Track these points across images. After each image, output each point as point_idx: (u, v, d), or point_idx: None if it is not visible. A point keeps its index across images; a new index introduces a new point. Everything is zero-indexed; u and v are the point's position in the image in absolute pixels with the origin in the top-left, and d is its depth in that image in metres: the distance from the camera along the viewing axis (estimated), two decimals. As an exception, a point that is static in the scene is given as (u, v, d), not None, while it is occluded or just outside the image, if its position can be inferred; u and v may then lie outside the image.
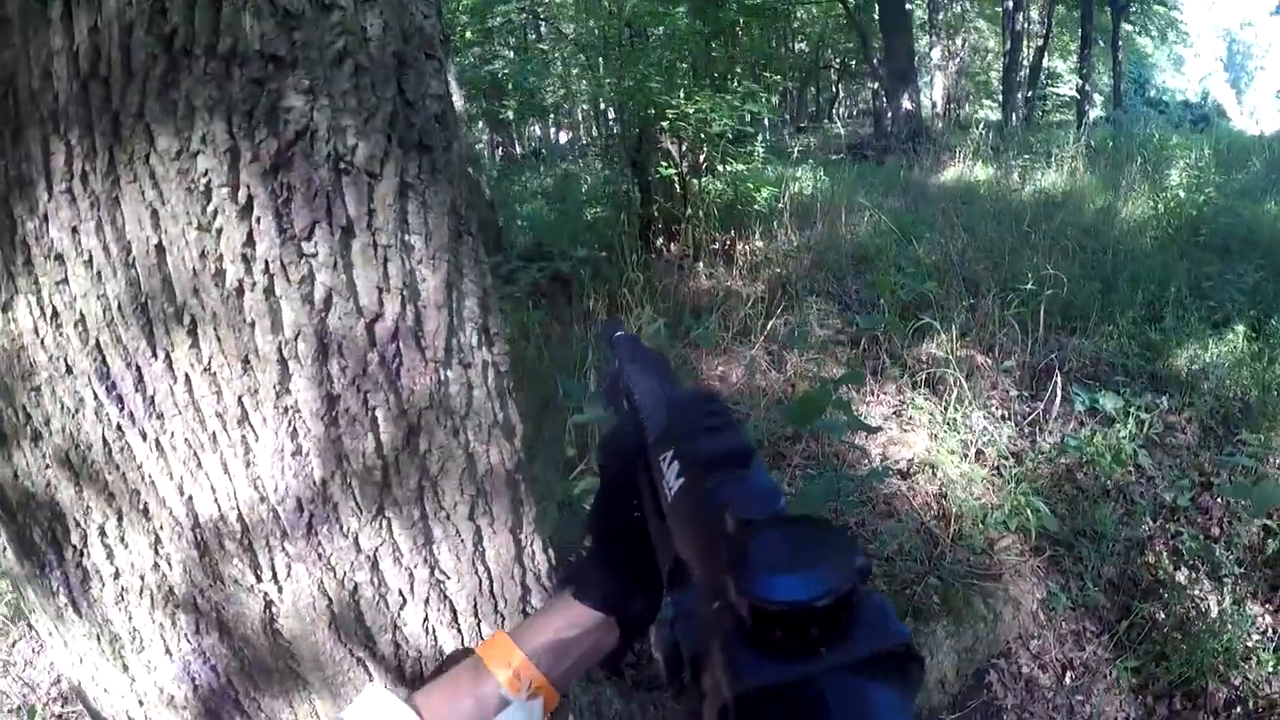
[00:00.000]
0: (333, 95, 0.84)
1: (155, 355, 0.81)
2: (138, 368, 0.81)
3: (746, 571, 0.34)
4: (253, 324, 0.81)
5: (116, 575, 0.90)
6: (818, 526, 0.37)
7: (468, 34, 8.55)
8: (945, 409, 3.28)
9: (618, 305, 4.04)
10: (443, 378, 0.90)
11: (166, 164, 0.77)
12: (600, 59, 6.19)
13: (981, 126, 9.80)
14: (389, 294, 0.85)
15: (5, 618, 2.31)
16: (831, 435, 2.98)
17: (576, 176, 7.96)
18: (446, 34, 0.96)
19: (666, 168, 5.02)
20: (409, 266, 0.87)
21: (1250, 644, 2.28)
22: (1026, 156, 8.37)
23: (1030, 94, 13.60)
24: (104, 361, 0.81)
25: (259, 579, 0.88)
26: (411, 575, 0.92)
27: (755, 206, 5.43)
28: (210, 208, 0.78)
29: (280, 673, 0.95)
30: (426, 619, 0.95)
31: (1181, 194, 6.06)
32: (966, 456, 3.10)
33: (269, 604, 0.89)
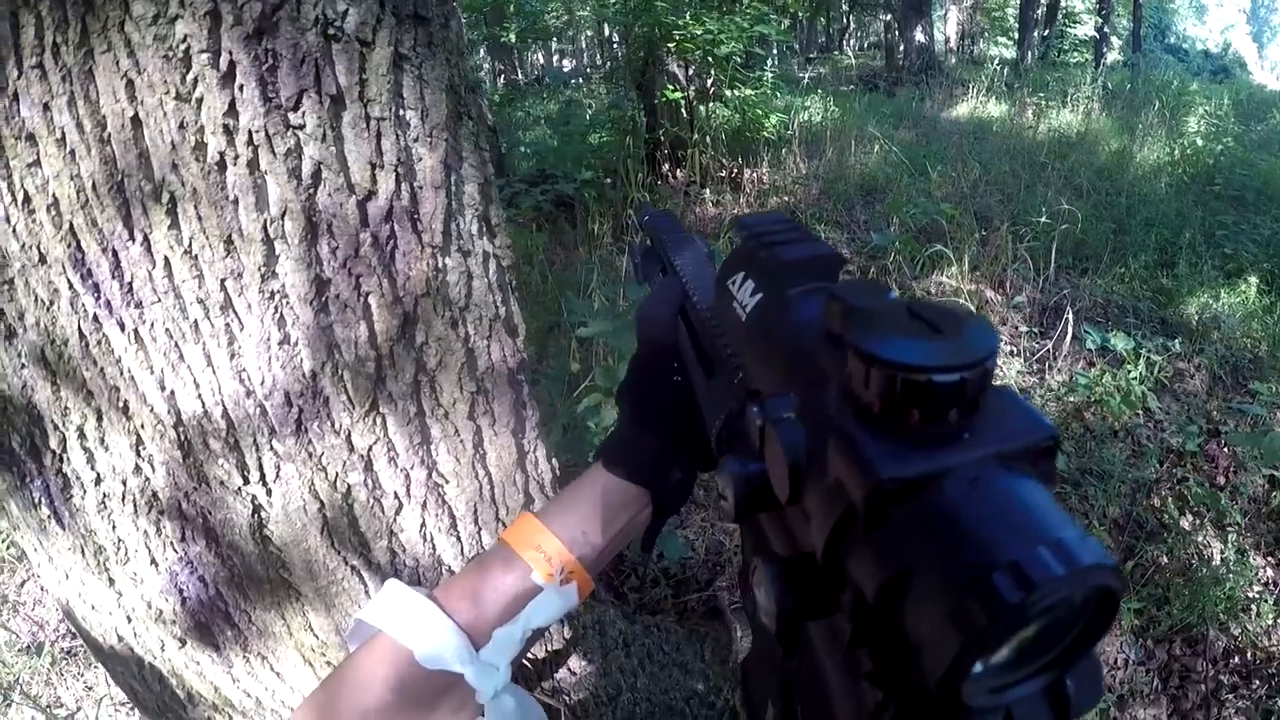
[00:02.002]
0: None
1: (132, 238, 0.74)
2: (114, 252, 0.75)
3: (878, 343, 0.28)
4: (235, 201, 0.74)
5: (98, 481, 0.84)
6: (948, 306, 0.31)
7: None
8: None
9: (623, 229, 3.94)
10: (440, 265, 0.83)
11: (143, 30, 0.70)
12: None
13: (996, 63, 9.53)
14: (383, 170, 0.77)
15: (14, 558, 2.28)
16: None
17: (580, 103, 7.75)
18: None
19: (673, 91, 4.84)
20: (404, 143, 0.79)
21: (1251, 595, 2.27)
22: (1041, 95, 8.14)
23: (1047, 32, 13.23)
24: (79, 247, 0.75)
25: (246, 481, 0.82)
26: (408, 477, 0.86)
27: (764, 134, 5.27)
28: (190, 76, 0.71)
29: (271, 583, 0.90)
30: (424, 525, 0.90)
31: (1199, 141, 5.92)
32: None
33: (257, 508, 0.84)
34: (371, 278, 0.78)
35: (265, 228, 0.74)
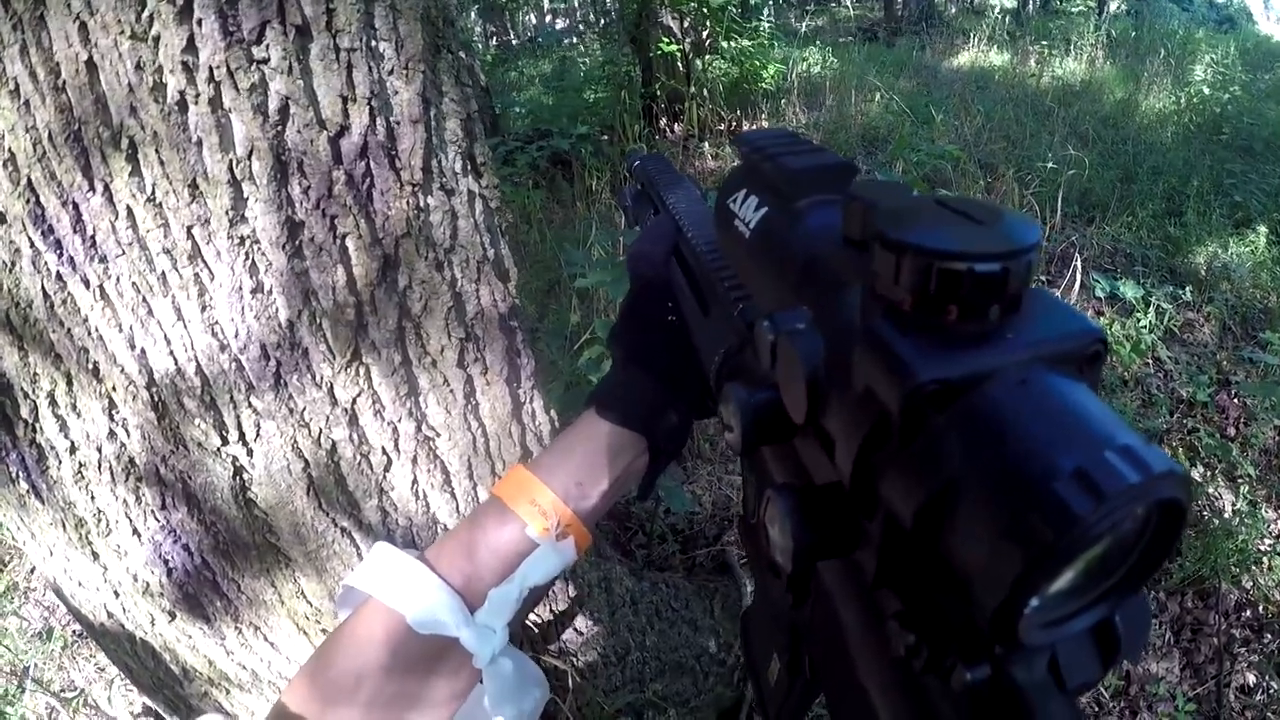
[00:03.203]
0: None
1: (93, 188, 0.69)
2: (75, 205, 0.70)
3: (910, 231, 0.24)
4: (199, 142, 0.69)
5: (73, 450, 0.80)
6: (982, 200, 0.27)
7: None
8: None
9: (621, 183, 3.87)
10: (422, 204, 0.77)
11: None
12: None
13: (997, 11, 9.33)
14: (355, 104, 0.72)
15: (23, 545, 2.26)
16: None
17: (575, 60, 7.60)
18: None
19: (668, 44, 4.73)
20: (378, 75, 0.73)
21: (1263, 548, 2.24)
22: (1044, 43, 7.97)
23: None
24: (38, 203, 0.70)
25: (225, 441, 0.78)
26: (396, 431, 0.82)
27: (762, 85, 5.15)
28: (145, 13, 0.65)
29: (258, 548, 0.86)
30: (415, 481, 0.85)
31: (1205, 90, 5.79)
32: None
33: (239, 469, 0.79)
34: (347, 218, 0.73)
35: (231, 169, 0.69)
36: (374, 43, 0.74)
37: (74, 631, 1.92)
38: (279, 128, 0.69)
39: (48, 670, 1.84)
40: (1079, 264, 3.09)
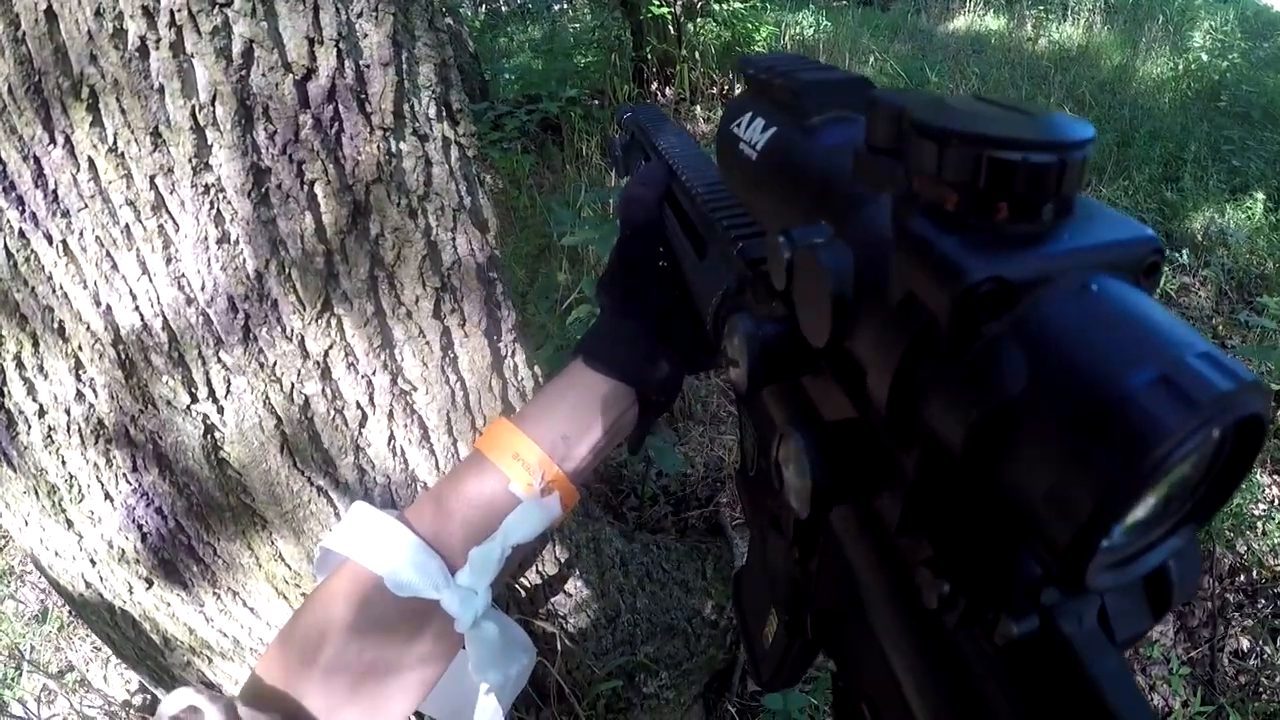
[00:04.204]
0: None
1: (54, 141, 0.66)
2: (35, 159, 0.67)
3: (955, 118, 0.22)
4: (160, 89, 0.65)
5: (41, 413, 0.78)
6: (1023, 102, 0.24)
7: None
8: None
9: (607, 144, 3.82)
10: (394, 149, 0.74)
11: None
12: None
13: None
14: (322, 46, 0.68)
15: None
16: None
17: (565, 26, 7.49)
18: None
19: (659, 7, 4.65)
20: (345, 17, 0.70)
21: (1258, 513, 2.24)
22: (1041, 7, 7.88)
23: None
24: None
25: (194, 398, 0.75)
26: (370, 384, 0.79)
27: (754, 48, 5.08)
28: None
29: (233, 510, 0.84)
30: (392, 437, 0.83)
31: (1204, 57, 5.73)
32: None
33: (210, 428, 0.77)
34: (315, 163, 0.69)
35: (194, 115, 0.66)
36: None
37: (69, 612, 1.92)
38: (243, 72, 0.66)
39: (44, 652, 1.84)
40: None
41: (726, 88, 4.89)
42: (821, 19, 6.96)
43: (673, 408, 2.23)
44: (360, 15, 0.71)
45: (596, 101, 4.48)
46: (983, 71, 5.29)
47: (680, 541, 1.45)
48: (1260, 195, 3.72)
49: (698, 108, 4.66)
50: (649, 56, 4.81)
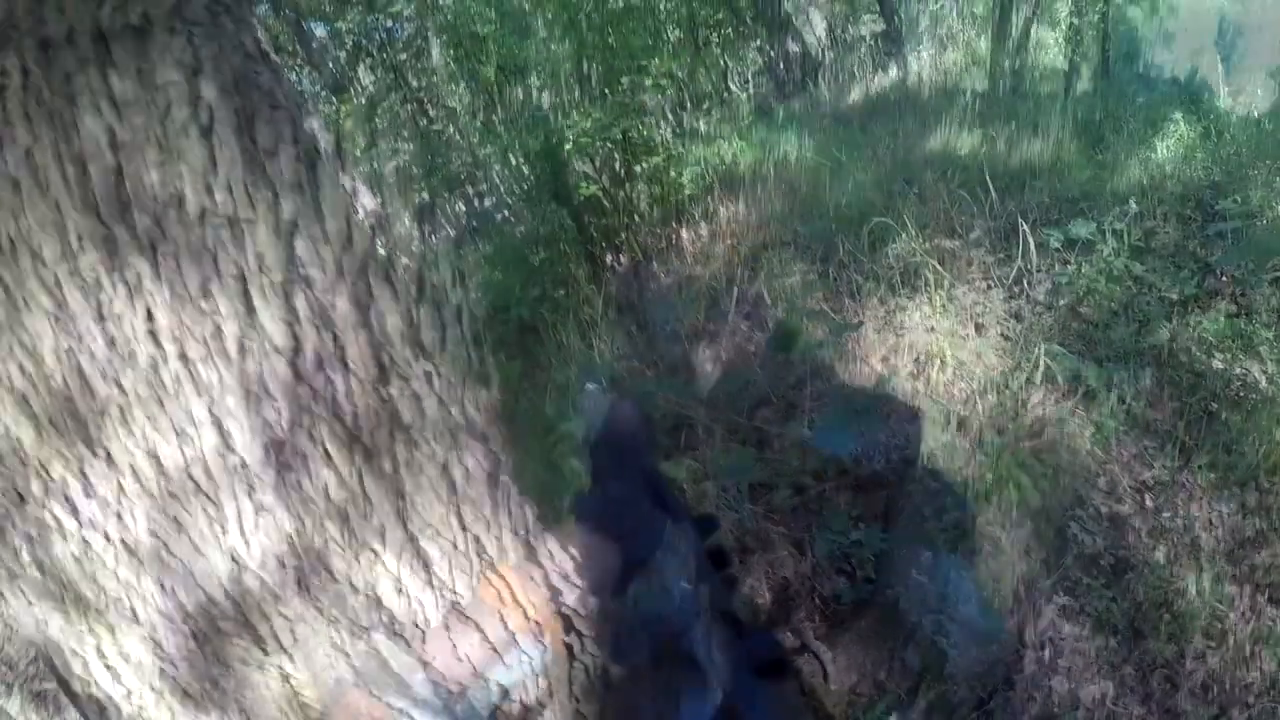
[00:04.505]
0: (188, 161, 0.80)
1: (96, 455, 0.78)
2: (83, 473, 0.79)
3: None
4: (176, 394, 0.79)
5: (129, 695, 0.87)
6: None
7: (358, 139, 8.64)
8: (930, 299, 3.25)
9: (584, 328, 4.01)
10: (384, 395, 0.87)
11: (56, 269, 0.75)
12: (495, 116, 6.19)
13: (871, 39, 9.80)
14: (300, 326, 0.82)
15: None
16: (830, 363, 2.95)
17: (511, 233, 7.95)
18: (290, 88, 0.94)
19: (586, 187, 5.01)
20: (313, 296, 0.84)
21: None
22: (920, 48, 8.32)
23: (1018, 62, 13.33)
24: (51, 478, 0.79)
25: (266, 653, 0.85)
26: (421, 604, 0.88)
27: (685, 192, 5.41)
28: (105, 297, 0.76)
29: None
30: (455, 647, 0.90)
31: (1074, 20, 6.04)
32: (968, 334, 3.06)
33: (286, 677, 0.86)
34: (320, 425, 0.82)
35: (210, 410, 0.79)
36: (303, 270, 0.85)
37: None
38: (241, 364, 0.80)
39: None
40: (1025, 229, 3.19)
41: (674, 237, 5.16)
42: (736, 141, 7.37)
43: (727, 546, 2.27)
44: (325, 291, 0.86)
45: (563, 291, 4.73)
46: (890, 126, 5.58)
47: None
48: (1178, 114, 3.87)
49: (654, 264, 4.93)
50: (594, 235, 5.12)
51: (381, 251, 0.95)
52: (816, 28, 13.43)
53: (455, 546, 0.91)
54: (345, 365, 0.85)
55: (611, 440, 0.70)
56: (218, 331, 0.80)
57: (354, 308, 0.87)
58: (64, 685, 0.88)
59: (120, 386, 0.77)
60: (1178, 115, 3.89)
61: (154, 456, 0.79)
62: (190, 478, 0.79)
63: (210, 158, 0.80)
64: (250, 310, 0.81)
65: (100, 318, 0.76)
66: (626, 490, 0.65)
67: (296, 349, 0.82)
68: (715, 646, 0.37)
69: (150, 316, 0.77)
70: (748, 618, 1.85)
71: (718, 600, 0.46)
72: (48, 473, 0.79)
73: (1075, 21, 5.96)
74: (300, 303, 0.83)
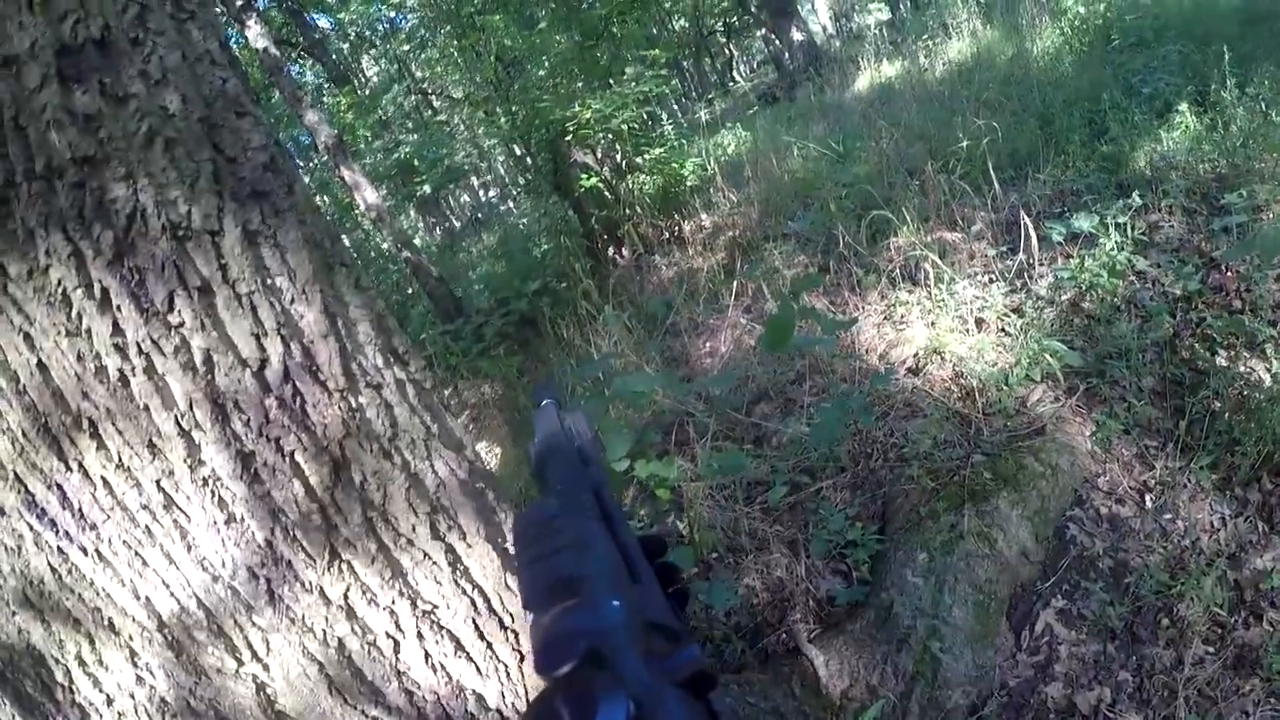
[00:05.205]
0: (152, 174, 0.81)
1: (69, 468, 0.80)
2: (58, 486, 0.80)
3: None
4: (146, 407, 0.79)
5: (109, 702, 0.87)
6: None
7: (361, 131, 8.61)
8: (930, 294, 3.22)
9: (589, 318, 3.99)
10: (354, 404, 0.86)
11: (23, 286, 0.76)
12: (498, 106, 6.19)
13: (876, 28, 9.79)
14: (267, 337, 0.81)
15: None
16: (829, 359, 2.93)
17: (514, 225, 7.96)
18: (256, 94, 0.93)
19: (588, 179, 4.99)
20: (280, 307, 0.83)
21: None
22: (925, 37, 8.32)
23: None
24: (27, 491, 0.80)
25: (241, 662, 0.84)
26: (394, 613, 0.87)
27: (687, 183, 5.39)
28: (73, 312, 0.77)
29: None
30: (428, 655, 0.90)
31: (1080, 9, 6.01)
32: (968, 329, 3.03)
33: (260, 686, 0.85)
34: (290, 436, 0.81)
35: (179, 423, 0.78)
36: (269, 280, 0.84)
37: None
38: (208, 376, 0.79)
39: None
40: (1027, 222, 3.15)
41: (675, 229, 5.14)
42: (738, 132, 7.36)
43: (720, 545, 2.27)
44: (292, 301, 0.85)
45: (563, 284, 4.72)
46: (891, 117, 5.54)
47: (763, 672, 1.46)
48: (1184, 106, 3.81)
49: (655, 256, 4.91)
50: (595, 227, 5.10)
51: (354, 256, 0.94)
52: (822, 16, 13.39)
53: (428, 556, 0.89)
54: (314, 375, 0.83)
55: (555, 456, 0.69)
56: (184, 344, 0.78)
57: (323, 316, 0.85)
58: (48, 692, 0.88)
59: (91, 400, 0.76)
60: (1184, 106, 3.82)
61: (125, 469, 0.79)
62: (161, 490, 0.78)
63: (175, 169, 0.79)
64: (217, 322, 0.80)
65: (68, 333, 0.76)
66: (563, 506, 0.64)
67: (264, 361, 0.81)
68: (639, 660, 0.37)
69: (118, 330, 0.76)
70: (692, 630, 1.84)
71: (654, 615, 0.46)
72: (24, 485, 0.79)
73: (1081, 10, 5.89)
74: (266, 314, 0.82)
